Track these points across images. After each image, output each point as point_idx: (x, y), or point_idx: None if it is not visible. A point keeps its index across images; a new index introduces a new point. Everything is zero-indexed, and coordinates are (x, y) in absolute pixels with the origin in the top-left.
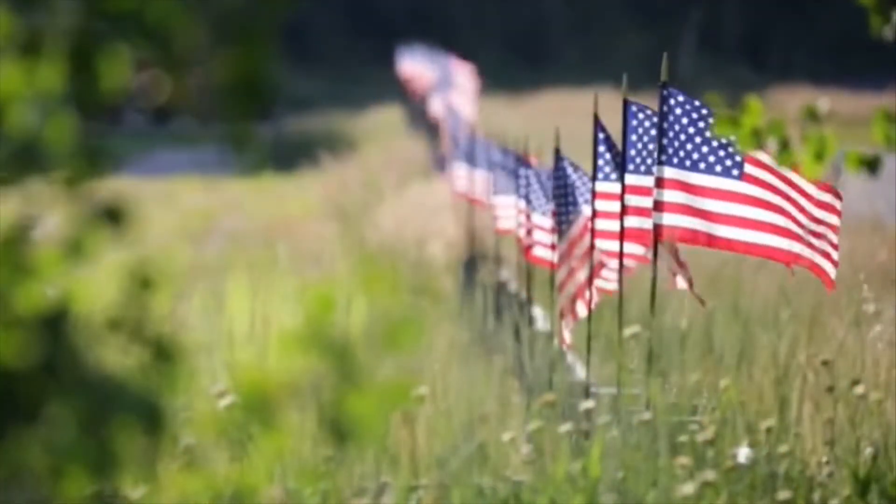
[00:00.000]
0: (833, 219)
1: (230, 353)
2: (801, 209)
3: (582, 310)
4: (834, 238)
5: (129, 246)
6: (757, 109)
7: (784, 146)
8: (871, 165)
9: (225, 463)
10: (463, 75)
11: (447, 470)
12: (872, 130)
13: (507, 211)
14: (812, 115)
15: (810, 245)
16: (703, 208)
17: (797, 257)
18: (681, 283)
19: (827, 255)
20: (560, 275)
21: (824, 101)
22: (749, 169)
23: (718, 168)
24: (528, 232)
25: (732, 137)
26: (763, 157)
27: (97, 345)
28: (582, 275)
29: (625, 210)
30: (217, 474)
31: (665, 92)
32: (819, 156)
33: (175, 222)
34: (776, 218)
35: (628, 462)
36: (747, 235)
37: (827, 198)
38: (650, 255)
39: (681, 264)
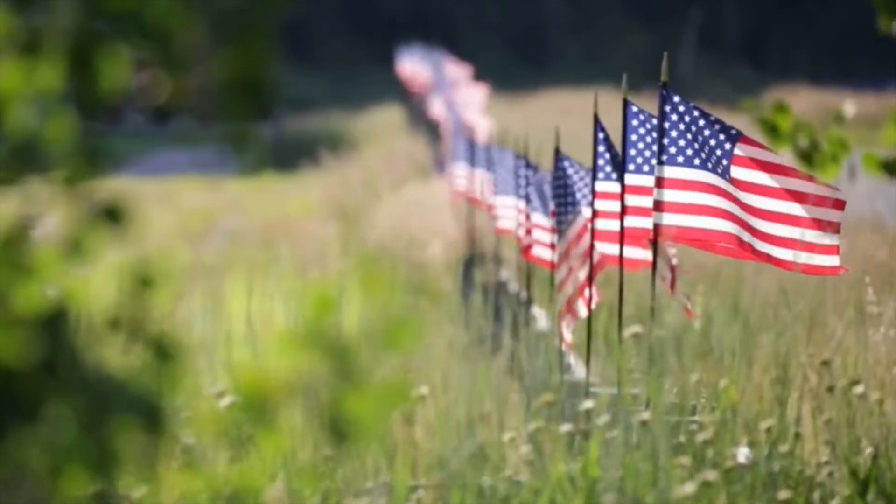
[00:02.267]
0: (835, 215)
1: (230, 353)
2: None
3: (582, 309)
4: (832, 240)
5: (129, 246)
6: (787, 110)
7: (815, 147)
8: (890, 168)
9: (225, 463)
10: (467, 83)
11: (447, 470)
12: (884, 132)
13: (507, 211)
14: (838, 119)
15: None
16: (704, 205)
17: (798, 245)
18: (667, 287)
19: (829, 250)
20: (559, 274)
21: (850, 104)
22: (736, 171)
23: (719, 169)
24: (528, 231)
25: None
26: (756, 150)
27: (97, 345)
28: (581, 274)
29: (625, 210)
30: (217, 474)
31: (665, 92)
32: (835, 157)
33: (175, 222)
34: (776, 204)
35: (628, 462)
36: (747, 235)
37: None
38: (650, 256)
39: (672, 269)
